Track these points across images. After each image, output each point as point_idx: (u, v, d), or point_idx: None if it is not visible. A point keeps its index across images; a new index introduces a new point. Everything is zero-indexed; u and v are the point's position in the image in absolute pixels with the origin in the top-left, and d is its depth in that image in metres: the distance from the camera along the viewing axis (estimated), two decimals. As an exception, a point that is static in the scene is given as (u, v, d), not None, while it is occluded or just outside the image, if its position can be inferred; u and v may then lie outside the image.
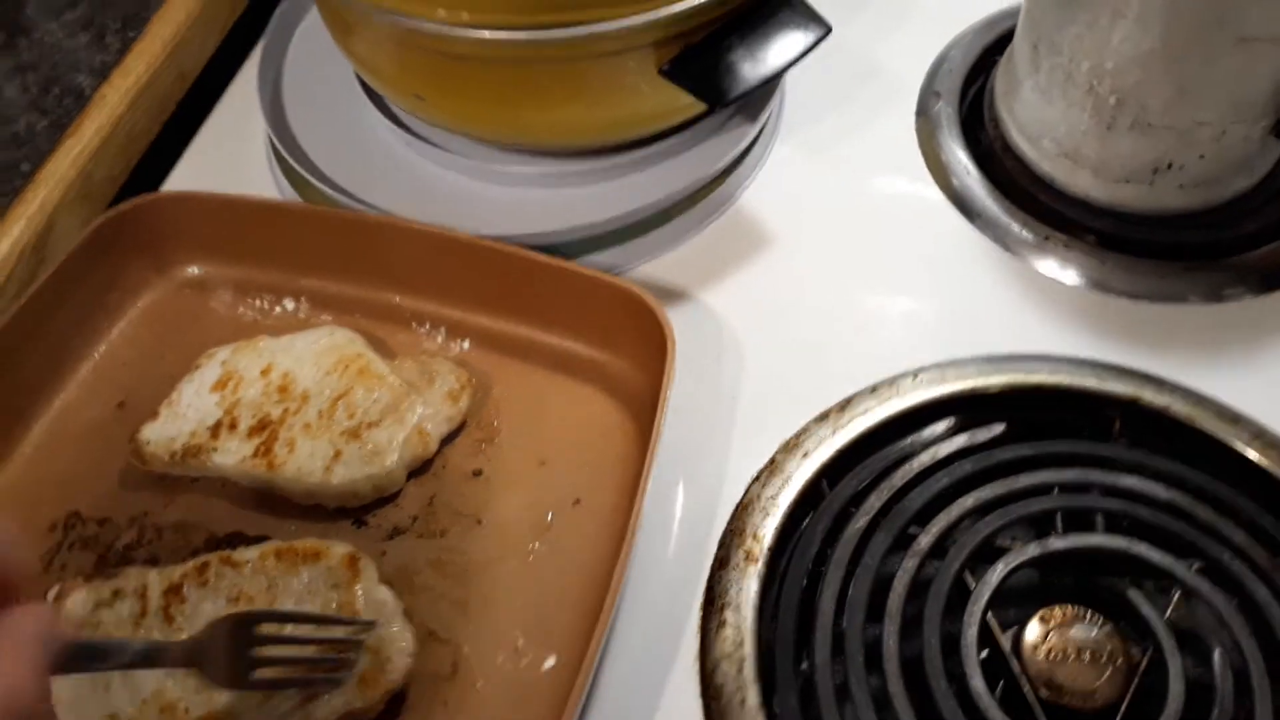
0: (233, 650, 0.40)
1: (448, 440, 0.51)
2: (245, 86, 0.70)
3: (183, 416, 0.51)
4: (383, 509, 0.49)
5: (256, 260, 0.57)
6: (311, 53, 0.68)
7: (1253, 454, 0.48)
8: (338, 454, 0.49)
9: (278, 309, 0.57)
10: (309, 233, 0.56)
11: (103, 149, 0.65)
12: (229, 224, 0.57)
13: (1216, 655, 0.42)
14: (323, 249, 0.56)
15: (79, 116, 0.66)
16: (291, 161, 0.59)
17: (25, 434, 0.53)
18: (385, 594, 0.44)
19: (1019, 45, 0.57)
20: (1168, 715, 0.40)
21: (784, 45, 0.52)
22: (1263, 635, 0.42)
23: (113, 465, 0.51)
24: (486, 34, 0.51)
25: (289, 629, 0.42)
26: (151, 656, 0.39)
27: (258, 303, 0.57)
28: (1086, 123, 0.53)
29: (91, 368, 0.55)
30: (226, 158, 0.66)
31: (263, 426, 0.50)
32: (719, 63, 0.52)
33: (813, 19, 0.53)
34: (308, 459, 0.48)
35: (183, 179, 0.65)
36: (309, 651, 0.42)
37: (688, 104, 0.55)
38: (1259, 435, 0.48)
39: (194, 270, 0.58)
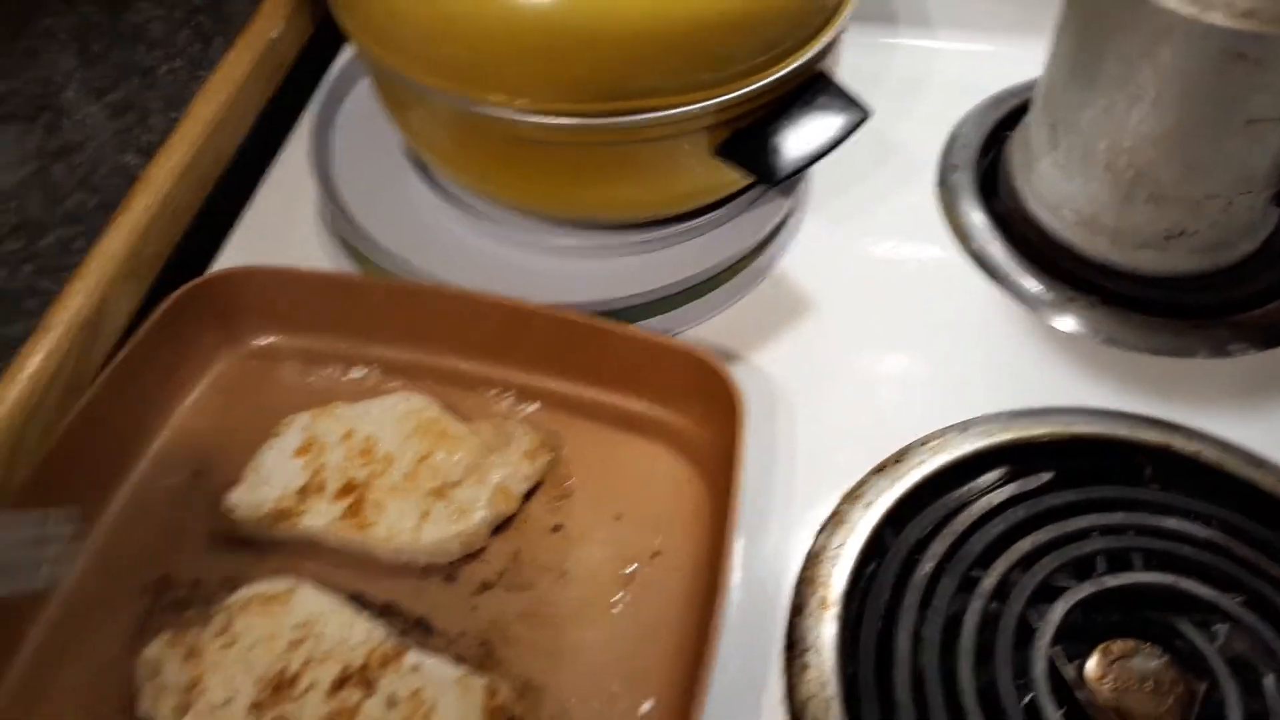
0: None
1: (526, 497, 0.53)
2: (289, 162, 0.73)
3: (267, 482, 0.53)
4: (470, 565, 0.51)
5: (324, 330, 0.60)
6: (357, 128, 0.71)
7: None
8: (426, 513, 0.51)
9: (347, 377, 0.59)
10: (377, 304, 0.59)
11: (151, 226, 0.67)
12: (298, 296, 0.59)
13: (1268, 681, 0.46)
14: (391, 319, 0.59)
15: (129, 194, 0.68)
16: (348, 236, 0.62)
17: (106, 505, 0.54)
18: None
19: (1035, 125, 0.62)
20: (1228, 736, 0.44)
21: (826, 126, 0.56)
22: (1306, 661, 0.46)
23: (197, 531, 0.53)
24: (547, 120, 0.54)
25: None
26: None
27: (327, 371, 0.59)
28: (1105, 195, 0.58)
29: (166, 438, 0.57)
30: (276, 232, 0.68)
31: (350, 489, 0.52)
32: (768, 143, 0.56)
33: (852, 103, 0.58)
34: (397, 519, 0.51)
35: (236, 254, 0.67)
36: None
37: (734, 181, 0.59)
38: (1283, 478, 0.53)
39: (262, 341, 0.60)
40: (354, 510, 0.51)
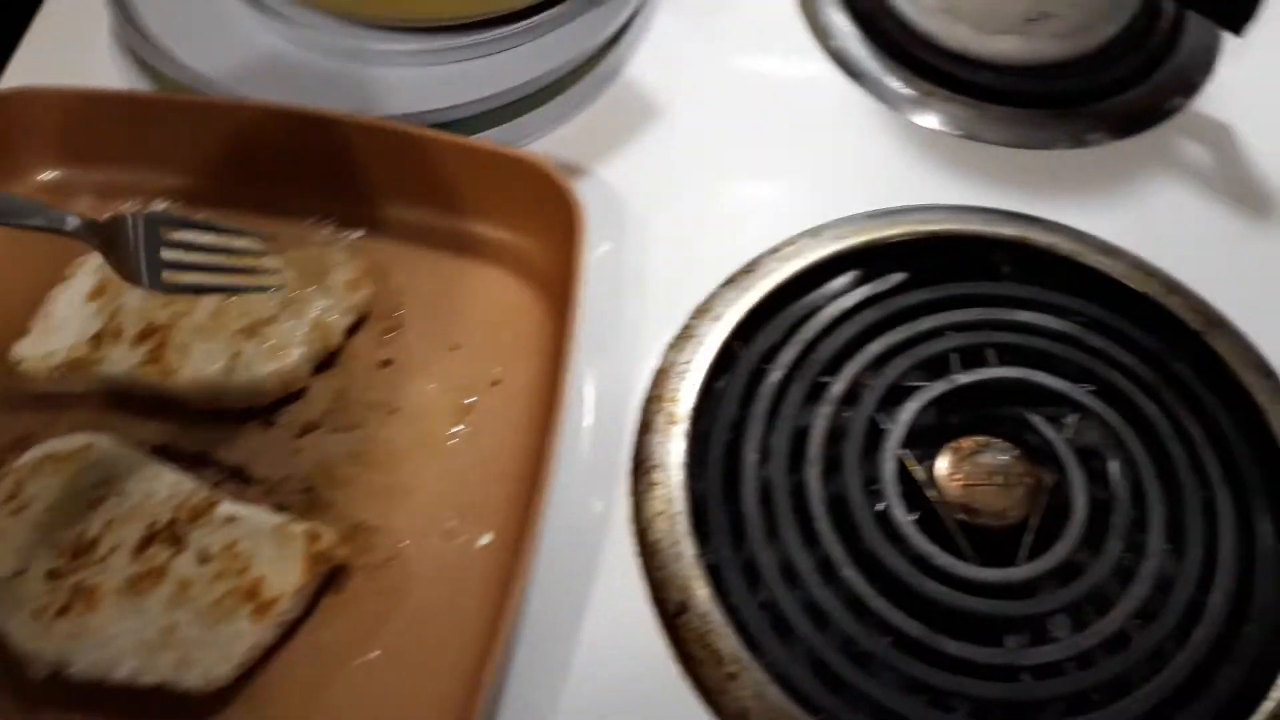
0: (143, 246, 0.40)
1: (351, 332, 0.49)
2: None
3: (58, 330, 0.48)
4: (291, 407, 0.47)
5: (119, 161, 0.53)
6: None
7: (1132, 283, 0.51)
8: (237, 354, 0.46)
9: (147, 211, 0.53)
10: (176, 125, 0.53)
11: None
12: (87, 121, 0.53)
13: (1113, 468, 0.45)
14: (193, 143, 0.53)
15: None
16: (140, 50, 0.55)
17: None
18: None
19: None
20: (1073, 525, 0.43)
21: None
22: (1152, 446, 0.46)
23: (-18, 390, 0.48)
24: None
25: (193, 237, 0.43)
26: (56, 221, 0.39)
27: (125, 206, 0.53)
28: (964, -26, 0.55)
29: (-57, 288, 0.51)
30: (65, 54, 0.60)
31: (150, 332, 0.47)
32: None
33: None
34: (204, 361, 0.46)
35: (17, 79, 0.59)
36: (218, 259, 0.43)
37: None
38: (1138, 265, 0.51)
39: (49, 175, 0.54)
40: (156, 355, 0.46)
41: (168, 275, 0.42)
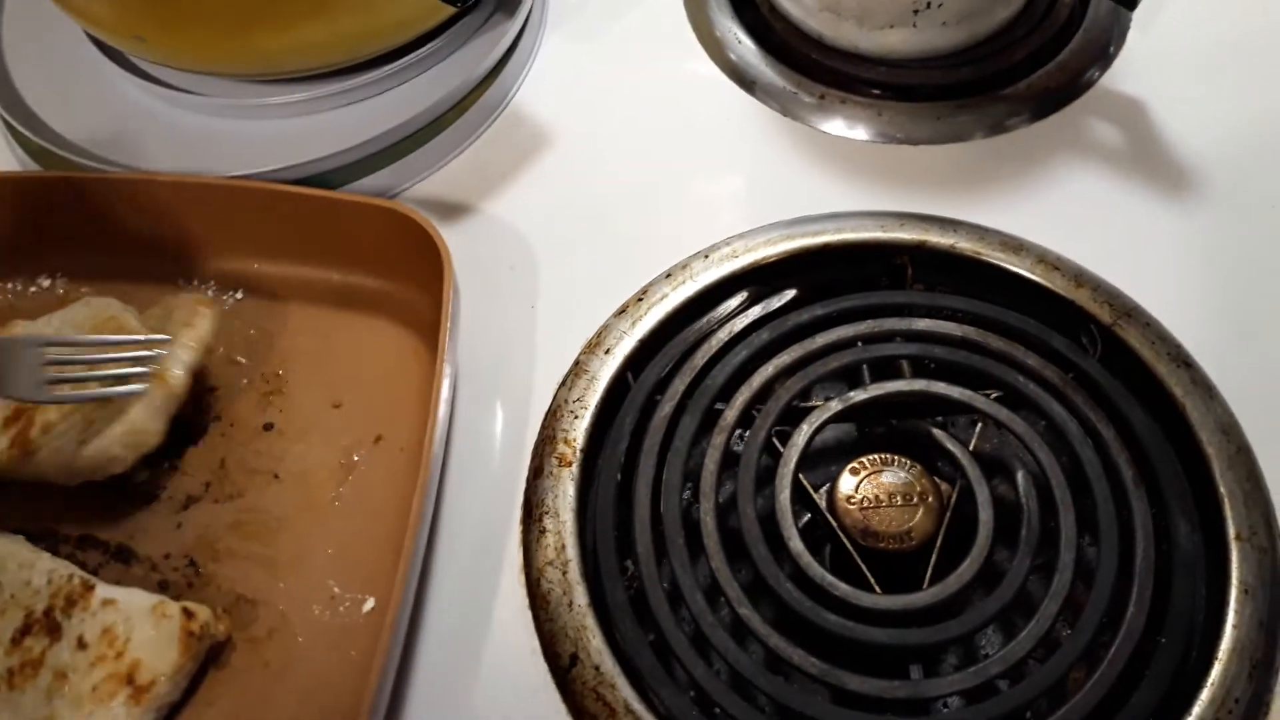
0: (25, 368, 0.43)
1: (231, 398, 0.48)
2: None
3: (-68, 421, 0.47)
4: (172, 479, 0.46)
5: (1, 241, 0.52)
6: (30, 15, 0.62)
7: (1037, 277, 0.48)
8: (90, 423, 0.45)
9: (32, 289, 0.52)
10: (53, 203, 0.51)
11: None
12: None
13: (1020, 476, 0.43)
14: (72, 218, 0.52)
15: None
16: (23, 130, 0.54)
17: None
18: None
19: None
20: (979, 541, 0.41)
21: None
22: (1061, 450, 0.43)
23: None
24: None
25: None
26: None
27: (9, 286, 0.53)
28: (840, -30, 0.53)
29: None
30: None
31: (18, 414, 0.46)
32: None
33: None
34: (61, 436, 0.45)
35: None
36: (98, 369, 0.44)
37: (431, 6, 0.52)
38: (1042, 259, 0.49)
39: (-72, 261, 0.53)
40: (21, 438, 0.45)
41: (50, 389, 0.43)
